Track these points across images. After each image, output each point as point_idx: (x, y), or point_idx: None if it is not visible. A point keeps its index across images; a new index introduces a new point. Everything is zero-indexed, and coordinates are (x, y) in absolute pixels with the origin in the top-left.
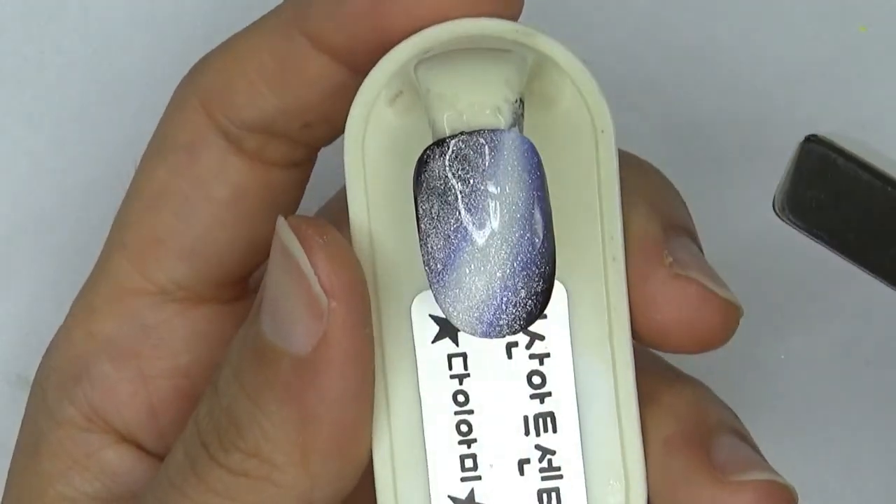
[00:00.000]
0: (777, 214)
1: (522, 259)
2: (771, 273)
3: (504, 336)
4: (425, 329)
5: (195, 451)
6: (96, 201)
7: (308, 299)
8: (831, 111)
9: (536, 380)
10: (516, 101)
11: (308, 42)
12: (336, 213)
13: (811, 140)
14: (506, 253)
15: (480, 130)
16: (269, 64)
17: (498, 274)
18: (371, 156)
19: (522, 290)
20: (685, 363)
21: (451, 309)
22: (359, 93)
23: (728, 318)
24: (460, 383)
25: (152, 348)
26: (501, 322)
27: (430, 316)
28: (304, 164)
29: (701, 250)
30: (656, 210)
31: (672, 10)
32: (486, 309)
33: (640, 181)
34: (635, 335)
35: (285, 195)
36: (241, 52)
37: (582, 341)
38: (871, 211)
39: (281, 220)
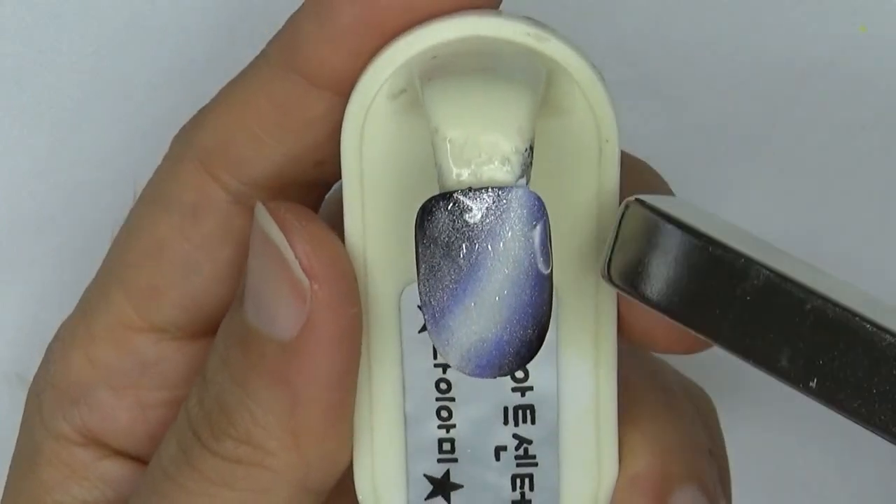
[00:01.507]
0: (605, 280)
1: (520, 312)
2: None
3: (495, 377)
4: (413, 319)
5: (187, 441)
6: (97, 201)
7: (290, 283)
8: (831, 111)
9: (519, 374)
10: (526, 151)
11: (304, 80)
12: (335, 207)
13: (634, 204)
14: (504, 306)
15: (488, 188)
16: (268, 112)
17: (494, 324)
18: (369, 149)
19: (517, 339)
20: (686, 359)
21: (444, 349)
22: (357, 86)
23: None
24: (444, 372)
25: (151, 381)
26: (493, 366)
27: (419, 307)
28: (313, 206)
29: None
30: None
31: (672, 9)
32: (479, 353)
33: None
34: (625, 335)
35: None
36: (237, 105)
37: (567, 341)
38: (697, 273)
39: (259, 206)
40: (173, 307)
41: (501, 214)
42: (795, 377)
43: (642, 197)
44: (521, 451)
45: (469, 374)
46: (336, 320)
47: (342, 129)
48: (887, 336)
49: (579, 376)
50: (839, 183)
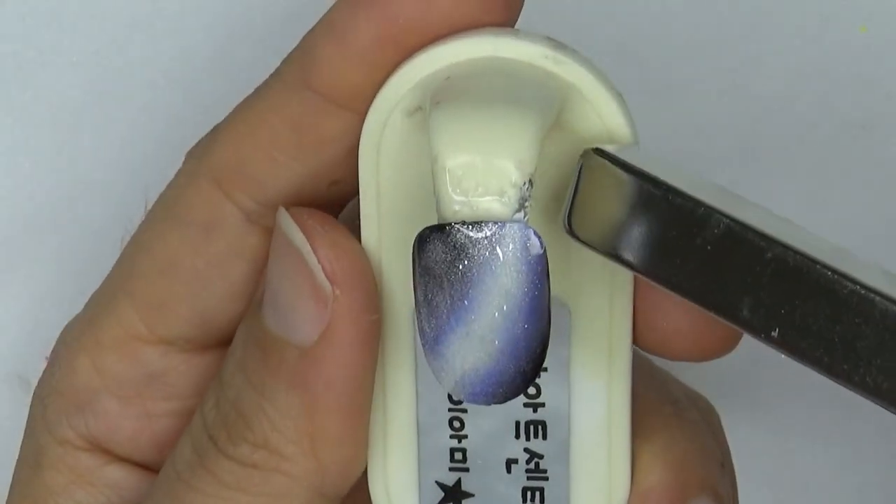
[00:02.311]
0: (567, 233)
1: (512, 345)
2: None
3: (489, 405)
4: None
5: (203, 445)
6: (97, 201)
7: (312, 288)
8: (831, 111)
9: (531, 390)
10: (525, 184)
11: (320, 98)
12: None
13: (591, 154)
14: (496, 339)
15: (483, 222)
16: (283, 131)
17: (488, 355)
18: (385, 163)
19: (511, 370)
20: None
21: (438, 375)
22: (375, 102)
23: (732, 329)
24: None
25: (158, 392)
26: (487, 394)
27: None
28: None
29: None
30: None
31: (671, 9)
32: (472, 382)
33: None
34: (640, 342)
35: None
36: (251, 123)
37: (581, 359)
38: (656, 223)
39: (282, 211)
40: (182, 321)
41: (495, 249)
42: (757, 327)
43: (601, 146)
44: (531, 466)
45: (464, 401)
46: (357, 326)
47: (360, 142)
48: (848, 283)
49: (592, 393)
50: (839, 183)
